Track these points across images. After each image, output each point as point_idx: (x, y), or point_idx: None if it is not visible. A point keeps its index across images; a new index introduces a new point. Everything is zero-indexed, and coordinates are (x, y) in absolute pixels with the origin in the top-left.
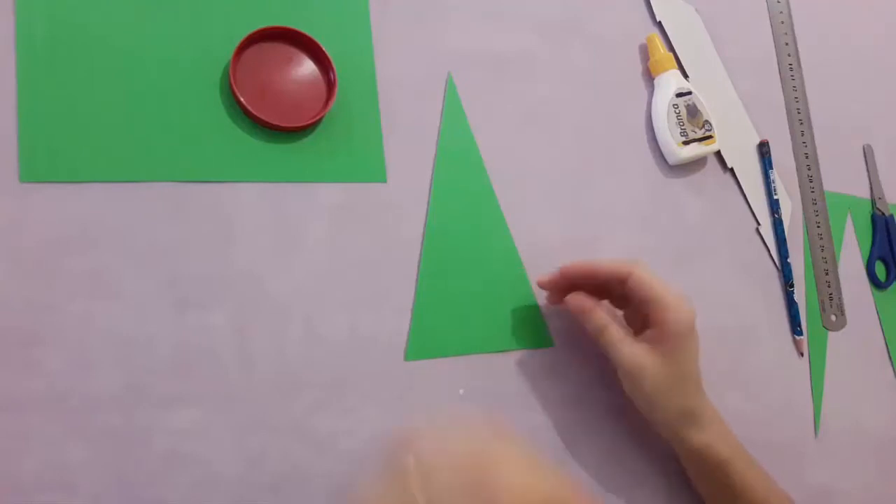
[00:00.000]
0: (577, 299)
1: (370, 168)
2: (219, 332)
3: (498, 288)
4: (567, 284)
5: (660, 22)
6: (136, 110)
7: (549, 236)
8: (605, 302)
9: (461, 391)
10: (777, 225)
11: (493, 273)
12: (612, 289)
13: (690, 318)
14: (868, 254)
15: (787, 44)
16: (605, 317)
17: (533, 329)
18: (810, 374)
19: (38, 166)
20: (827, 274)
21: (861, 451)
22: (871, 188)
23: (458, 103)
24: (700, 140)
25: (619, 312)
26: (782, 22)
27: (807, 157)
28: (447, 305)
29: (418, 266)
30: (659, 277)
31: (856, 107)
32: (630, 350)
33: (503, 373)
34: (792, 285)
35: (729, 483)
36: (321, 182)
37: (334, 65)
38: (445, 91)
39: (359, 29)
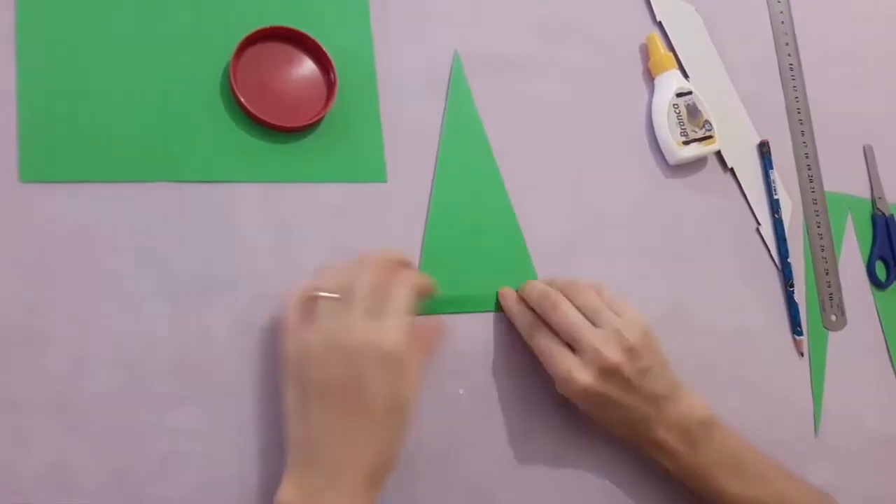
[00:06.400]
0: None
1: (370, 168)
2: (219, 332)
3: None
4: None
5: (660, 22)
6: (136, 110)
7: (548, 236)
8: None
9: (461, 391)
10: (777, 225)
11: (497, 273)
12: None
13: (573, 390)
14: (868, 254)
15: (787, 44)
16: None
17: None
18: (810, 374)
19: (38, 166)
20: (827, 274)
21: (861, 451)
22: (872, 188)
23: (466, 87)
24: (700, 140)
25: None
26: (782, 22)
27: (807, 157)
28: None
29: (418, 266)
30: (552, 345)
31: (856, 107)
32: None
33: (504, 372)
34: (792, 285)
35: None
36: (321, 182)
37: (334, 65)
38: (451, 75)
39: (359, 29)
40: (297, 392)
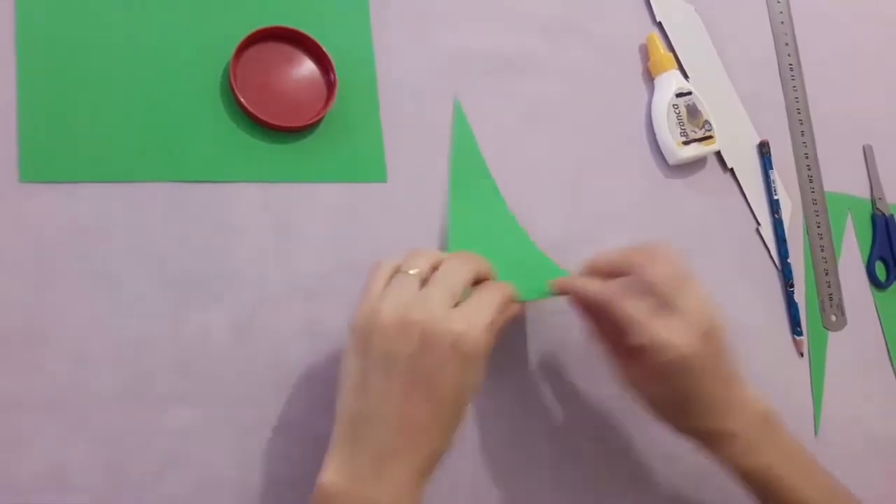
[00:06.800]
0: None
1: (370, 168)
2: (219, 331)
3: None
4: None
5: (660, 22)
6: (136, 110)
7: (548, 236)
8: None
9: None
10: (777, 225)
11: (503, 273)
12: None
13: (674, 356)
14: (868, 254)
15: (787, 44)
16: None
17: None
18: (810, 374)
19: (38, 166)
20: (827, 274)
21: (861, 451)
22: (872, 188)
23: (469, 132)
24: (700, 140)
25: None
26: (782, 22)
27: (807, 157)
28: None
29: None
30: (648, 308)
31: (856, 107)
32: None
33: (504, 372)
34: (792, 285)
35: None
36: (321, 182)
37: (334, 65)
38: (454, 121)
39: (359, 29)
40: (357, 361)
